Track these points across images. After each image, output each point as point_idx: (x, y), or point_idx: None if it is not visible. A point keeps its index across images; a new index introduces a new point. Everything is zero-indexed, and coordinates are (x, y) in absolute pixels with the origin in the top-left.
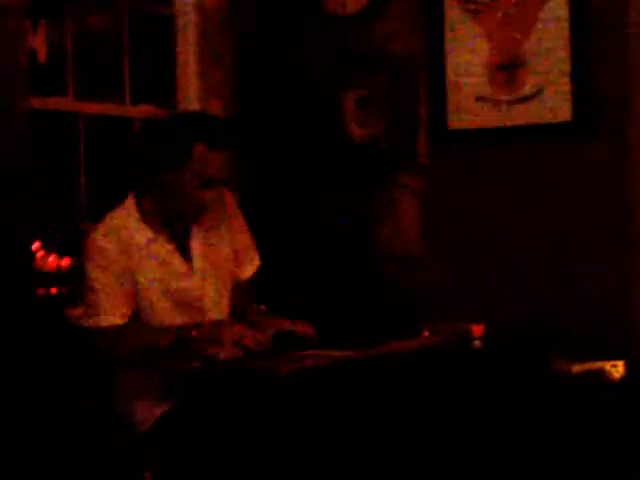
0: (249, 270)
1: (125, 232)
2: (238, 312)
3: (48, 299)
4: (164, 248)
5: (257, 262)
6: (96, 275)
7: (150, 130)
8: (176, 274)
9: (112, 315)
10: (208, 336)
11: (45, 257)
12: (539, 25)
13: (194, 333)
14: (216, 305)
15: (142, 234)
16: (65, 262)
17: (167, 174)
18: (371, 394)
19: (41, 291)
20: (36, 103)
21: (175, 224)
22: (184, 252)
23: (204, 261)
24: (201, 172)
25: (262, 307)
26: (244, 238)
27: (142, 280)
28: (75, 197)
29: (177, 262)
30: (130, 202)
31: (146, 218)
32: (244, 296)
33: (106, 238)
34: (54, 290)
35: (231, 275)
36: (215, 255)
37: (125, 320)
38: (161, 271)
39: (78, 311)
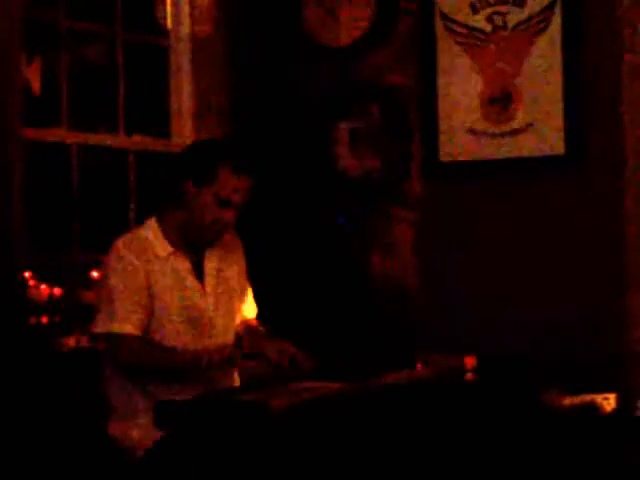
0: (249, 313)
1: (147, 244)
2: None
3: (39, 328)
4: (181, 264)
5: (255, 310)
6: (115, 283)
7: (178, 155)
8: (191, 292)
9: (127, 323)
10: (219, 361)
11: (37, 286)
12: (532, 58)
13: (204, 362)
14: (226, 329)
15: (162, 247)
16: (57, 291)
17: (190, 190)
18: (364, 427)
19: (32, 320)
20: (30, 134)
21: (193, 244)
22: (198, 274)
23: (216, 285)
24: (223, 194)
25: (261, 329)
26: (245, 283)
27: (159, 292)
28: (68, 227)
29: (192, 282)
30: (152, 220)
31: (167, 234)
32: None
33: (128, 248)
34: (45, 319)
35: (240, 306)
36: (226, 282)
37: (139, 331)
38: (177, 286)
39: (70, 340)
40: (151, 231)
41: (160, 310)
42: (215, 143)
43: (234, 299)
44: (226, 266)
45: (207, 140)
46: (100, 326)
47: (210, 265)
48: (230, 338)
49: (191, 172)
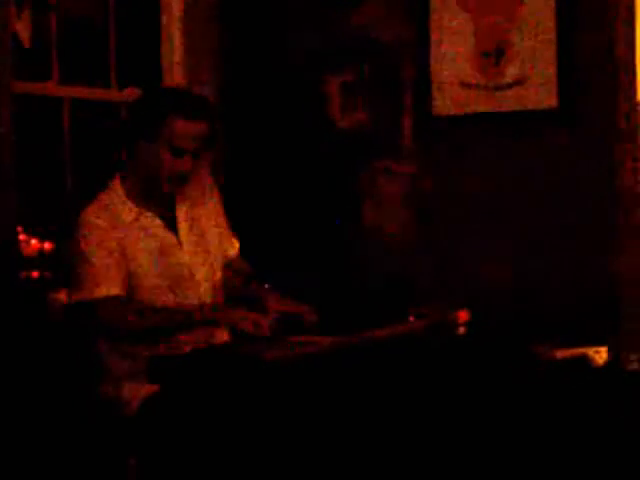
0: (231, 251)
1: (114, 209)
2: (236, 287)
3: (30, 282)
4: (152, 223)
5: (237, 244)
6: (91, 249)
7: (129, 106)
8: (166, 247)
9: (110, 286)
10: (209, 318)
11: (27, 241)
12: (525, 11)
13: (197, 316)
14: (208, 278)
15: (128, 211)
16: (47, 246)
17: (142, 144)
18: (357, 380)
19: (23, 274)
20: (20, 87)
21: (157, 199)
22: (171, 227)
23: (191, 234)
24: (174, 142)
25: (265, 285)
26: (222, 221)
27: (135, 256)
28: (60, 182)
29: (166, 236)
30: (116, 182)
31: (131, 196)
32: (236, 271)
33: (97, 215)
34: (35, 274)
35: (220, 250)
36: (202, 229)
37: (122, 292)
38: (152, 245)
39: (61, 295)
40: (115, 195)
41: (139, 273)
42: (162, 91)
43: (215, 245)
44: (200, 211)
45: (154, 90)
46: (80, 292)
47: (182, 215)
48: (215, 287)
49: (141, 124)
